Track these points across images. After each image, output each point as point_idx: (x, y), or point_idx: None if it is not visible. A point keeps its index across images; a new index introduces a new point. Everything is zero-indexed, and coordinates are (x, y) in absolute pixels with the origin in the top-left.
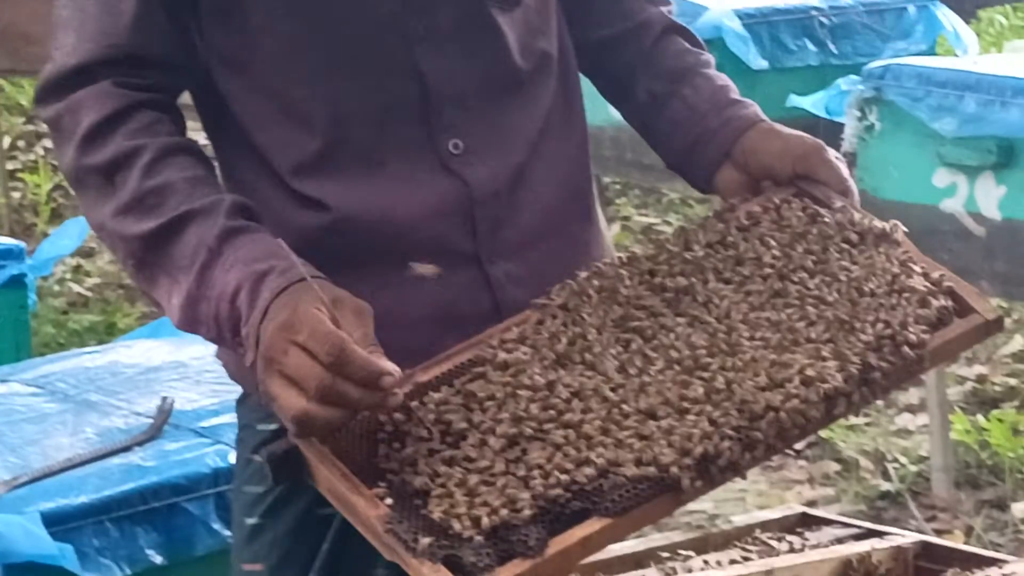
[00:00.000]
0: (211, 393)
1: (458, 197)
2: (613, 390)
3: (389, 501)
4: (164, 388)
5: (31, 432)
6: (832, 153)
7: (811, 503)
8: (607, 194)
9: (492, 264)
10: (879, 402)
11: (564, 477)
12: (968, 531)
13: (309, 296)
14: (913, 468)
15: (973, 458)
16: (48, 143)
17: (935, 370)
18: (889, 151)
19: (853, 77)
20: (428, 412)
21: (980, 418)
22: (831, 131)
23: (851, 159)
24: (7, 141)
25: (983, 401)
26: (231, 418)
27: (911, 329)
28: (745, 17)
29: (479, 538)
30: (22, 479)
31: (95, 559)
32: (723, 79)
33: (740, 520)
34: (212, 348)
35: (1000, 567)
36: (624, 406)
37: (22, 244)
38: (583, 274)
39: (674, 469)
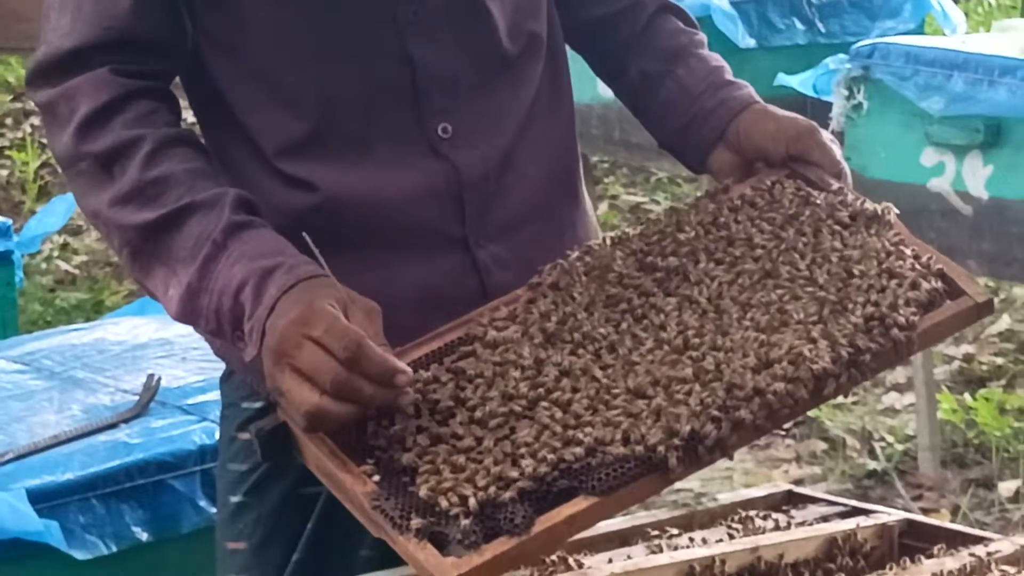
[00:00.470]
0: (197, 370)
1: (447, 180)
2: (602, 369)
3: (377, 478)
4: (150, 365)
5: (17, 409)
6: (826, 135)
7: (798, 482)
8: (595, 173)
9: (479, 247)
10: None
11: (551, 456)
12: (954, 510)
13: (323, 292)
14: (900, 447)
15: (960, 437)
16: (36, 121)
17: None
18: (877, 130)
19: (841, 56)
20: (417, 390)
21: (967, 397)
22: (819, 110)
23: (839, 138)
24: None
25: (970, 380)
26: (217, 395)
27: (901, 311)
28: None
29: (465, 516)
30: (8, 456)
31: (81, 536)
32: (717, 60)
33: (726, 498)
34: None
35: (986, 545)
36: (613, 385)
37: (9, 221)
38: (574, 253)
39: (661, 449)
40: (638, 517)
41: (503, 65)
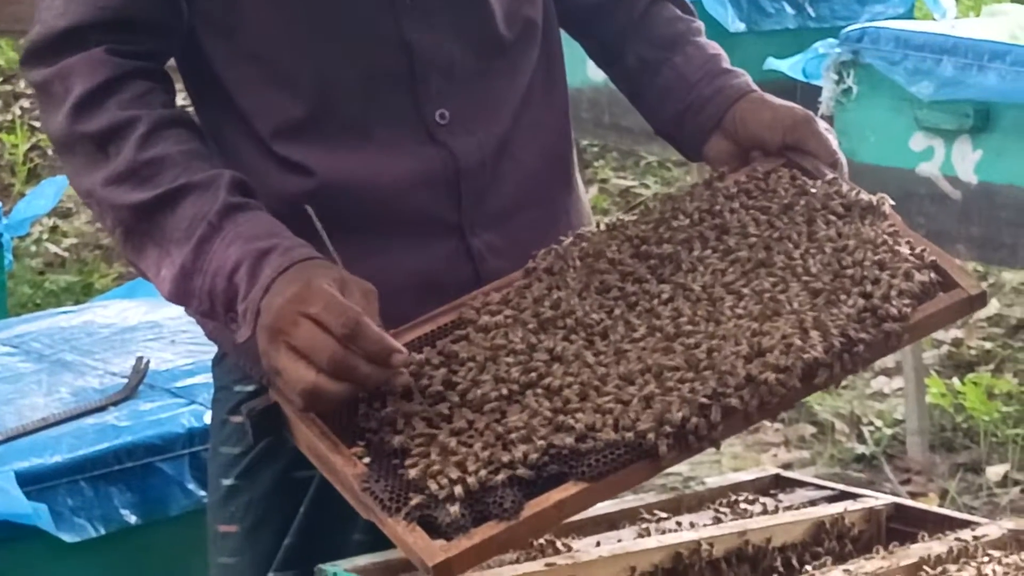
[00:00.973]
0: (186, 353)
1: (444, 167)
2: (594, 355)
3: (367, 460)
4: (139, 348)
5: (6, 391)
6: (822, 125)
7: (786, 466)
8: (585, 157)
9: (474, 235)
10: None
11: (542, 441)
12: (943, 494)
13: (320, 272)
14: (888, 431)
15: (948, 421)
16: (26, 103)
17: None
18: (866, 115)
19: (831, 40)
20: (409, 373)
21: (955, 382)
22: (808, 94)
23: (828, 123)
24: None
25: (958, 365)
26: (206, 378)
27: (894, 302)
28: None
29: (455, 499)
30: None
31: (69, 519)
32: (714, 47)
33: (714, 482)
34: None
35: (973, 529)
36: (605, 372)
37: None
38: (568, 239)
39: (651, 436)
40: (626, 501)
41: (500, 51)
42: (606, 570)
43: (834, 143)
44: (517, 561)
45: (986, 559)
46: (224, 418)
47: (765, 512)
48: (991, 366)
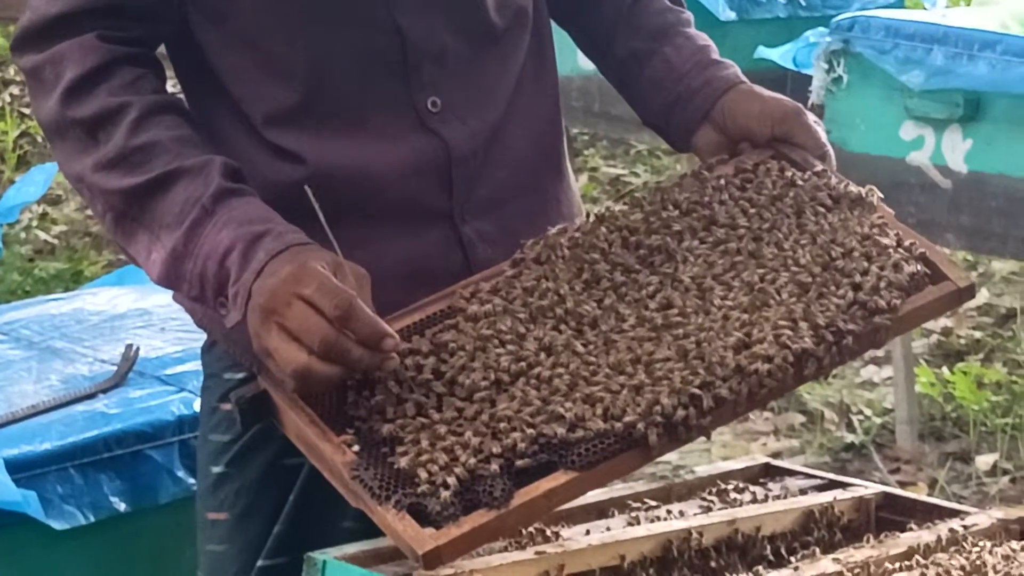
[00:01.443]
0: (176, 341)
1: (436, 155)
2: (584, 345)
3: (356, 448)
4: (129, 335)
5: None
6: (811, 117)
7: (776, 455)
8: (575, 145)
9: (465, 223)
10: None
11: (531, 430)
12: (932, 483)
13: (315, 255)
14: (878, 420)
15: (937, 411)
16: (15, 90)
17: None
18: (856, 104)
19: (821, 29)
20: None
21: (945, 371)
22: (799, 83)
23: (818, 111)
24: None
25: (948, 354)
26: (196, 366)
27: (883, 295)
28: None
29: (445, 488)
30: None
31: (59, 506)
32: (704, 39)
33: (704, 471)
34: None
35: (962, 518)
36: (594, 362)
37: None
38: (558, 229)
39: (641, 425)
40: (616, 489)
41: (491, 39)
42: (595, 558)
43: (823, 135)
44: (506, 549)
45: (975, 548)
46: (213, 406)
47: (755, 501)
48: (980, 355)
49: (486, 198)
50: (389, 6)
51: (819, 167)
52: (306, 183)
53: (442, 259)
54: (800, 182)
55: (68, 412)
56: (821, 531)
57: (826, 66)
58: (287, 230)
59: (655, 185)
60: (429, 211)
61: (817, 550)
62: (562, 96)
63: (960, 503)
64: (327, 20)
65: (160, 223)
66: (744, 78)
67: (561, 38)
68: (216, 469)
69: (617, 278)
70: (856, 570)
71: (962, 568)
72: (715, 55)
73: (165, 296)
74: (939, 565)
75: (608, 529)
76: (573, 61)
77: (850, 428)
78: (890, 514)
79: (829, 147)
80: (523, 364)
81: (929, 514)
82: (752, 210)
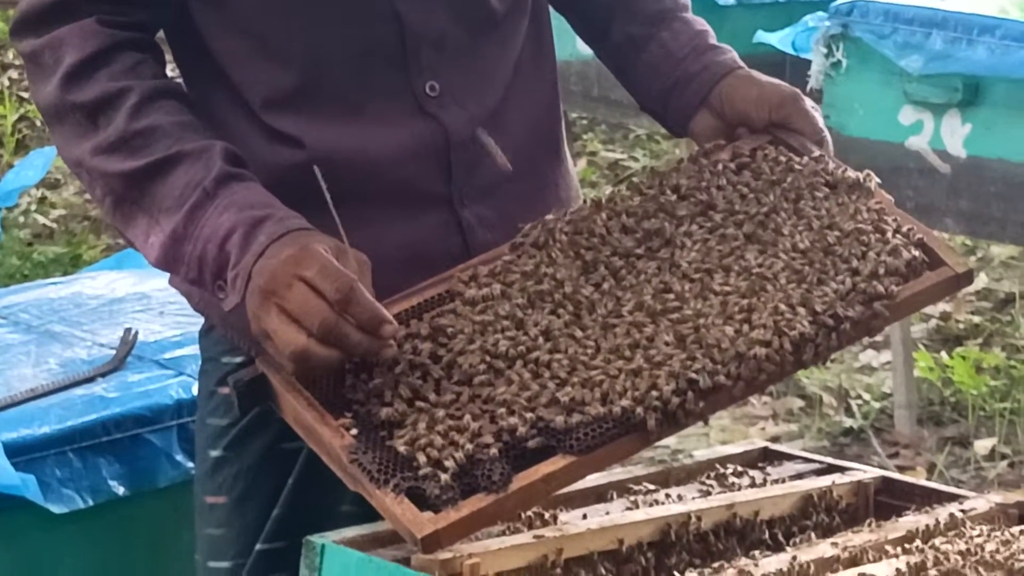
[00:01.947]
0: (174, 325)
1: (435, 140)
2: (582, 330)
3: (355, 432)
4: (128, 319)
5: None
6: (808, 102)
7: (775, 439)
8: (573, 129)
9: (463, 207)
10: None
11: (530, 415)
12: (930, 468)
13: (316, 238)
14: (876, 405)
15: (936, 395)
16: (14, 74)
17: None
18: (855, 88)
19: (820, 13)
20: (397, 344)
21: (944, 355)
22: (798, 68)
23: (817, 96)
24: None
25: (947, 339)
26: (194, 350)
27: (881, 280)
28: None
29: (443, 471)
30: None
31: (57, 489)
32: (701, 23)
33: (702, 455)
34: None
35: (960, 503)
36: (593, 346)
37: None
38: (556, 213)
39: (639, 410)
40: (614, 473)
41: (491, 24)
42: (594, 542)
43: (820, 121)
44: (505, 533)
45: (974, 532)
46: (211, 390)
47: (753, 485)
48: (979, 340)
49: (485, 183)
50: None
51: (817, 152)
52: (304, 167)
53: (441, 243)
54: (798, 167)
55: (67, 396)
56: (820, 515)
57: (825, 51)
58: (288, 215)
59: (653, 170)
60: (428, 195)
61: (815, 535)
62: (561, 80)
63: (958, 487)
64: (325, 5)
65: (160, 206)
66: (742, 63)
67: (559, 22)
68: (214, 453)
69: (615, 263)
70: (855, 554)
71: (960, 552)
72: (713, 40)
73: (164, 280)
74: (937, 549)
75: (607, 513)
76: (572, 46)
77: (849, 413)
78: (888, 498)
79: (826, 132)
80: (521, 348)
81: (928, 498)
82: (750, 195)
